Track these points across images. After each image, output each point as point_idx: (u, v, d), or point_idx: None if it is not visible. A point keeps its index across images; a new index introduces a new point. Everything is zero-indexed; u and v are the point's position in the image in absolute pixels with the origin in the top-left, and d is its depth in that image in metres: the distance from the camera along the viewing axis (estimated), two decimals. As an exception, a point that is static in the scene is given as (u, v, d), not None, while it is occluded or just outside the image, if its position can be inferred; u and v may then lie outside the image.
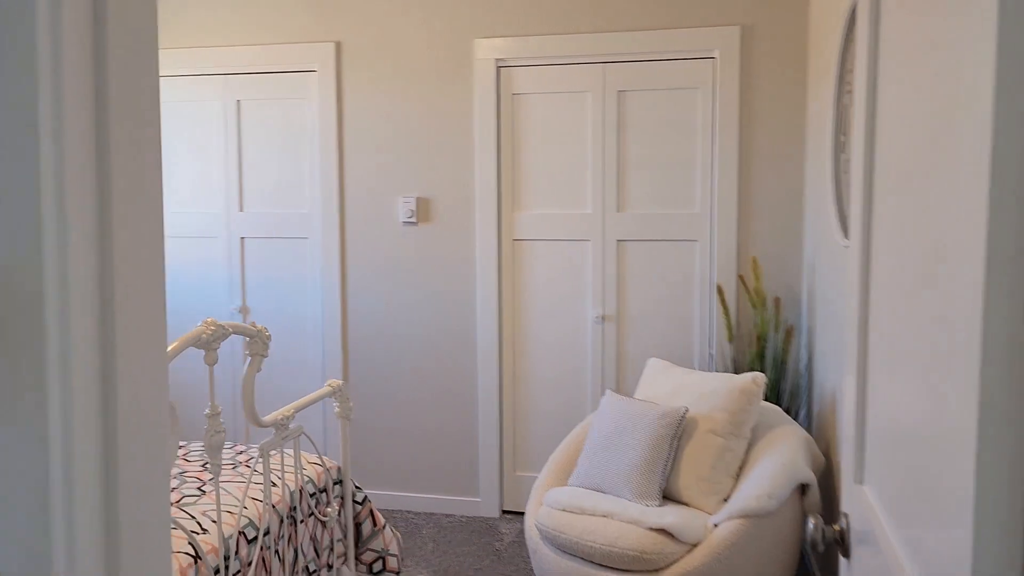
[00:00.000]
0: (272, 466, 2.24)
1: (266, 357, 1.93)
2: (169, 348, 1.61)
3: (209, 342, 1.72)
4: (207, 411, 1.76)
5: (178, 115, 4.05)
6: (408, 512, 3.93)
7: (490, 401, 3.81)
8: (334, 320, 3.93)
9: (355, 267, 3.90)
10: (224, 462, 2.30)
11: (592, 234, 3.68)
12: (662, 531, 2.55)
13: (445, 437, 3.89)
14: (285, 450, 2.35)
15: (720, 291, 3.48)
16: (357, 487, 2.51)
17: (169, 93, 4.05)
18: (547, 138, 3.69)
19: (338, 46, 3.82)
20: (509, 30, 3.66)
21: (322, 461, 2.37)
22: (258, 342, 1.91)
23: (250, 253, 4.03)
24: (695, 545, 2.56)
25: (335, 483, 2.40)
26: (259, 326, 1.91)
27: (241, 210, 4.01)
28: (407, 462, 3.93)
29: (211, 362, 1.75)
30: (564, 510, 2.71)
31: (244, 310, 4.05)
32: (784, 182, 3.51)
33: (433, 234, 3.82)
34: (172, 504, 1.96)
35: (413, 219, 3.82)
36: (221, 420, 1.78)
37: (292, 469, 2.23)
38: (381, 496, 3.96)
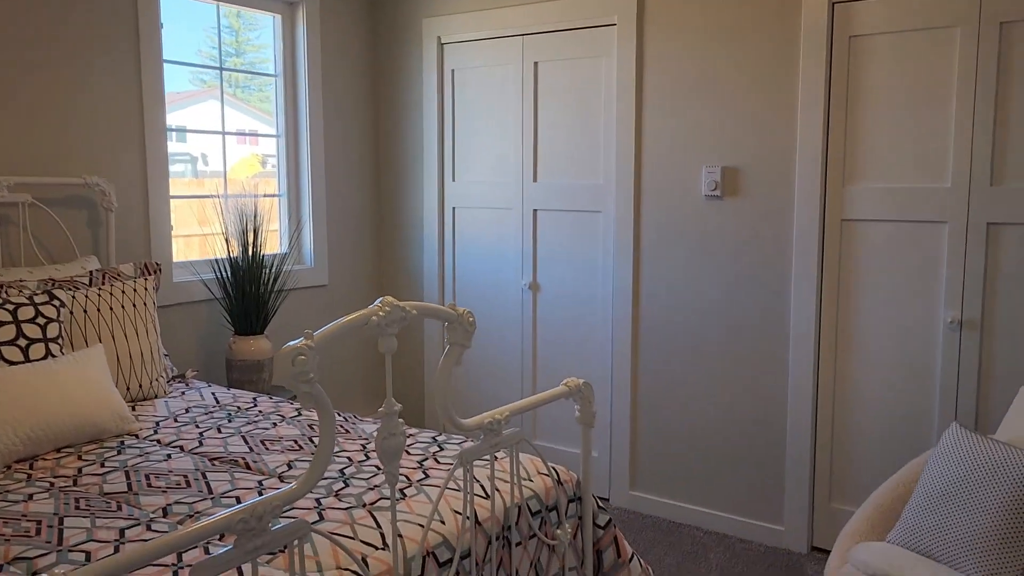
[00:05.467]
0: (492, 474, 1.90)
1: (468, 347, 1.58)
2: (324, 331, 1.32)
3: (382, 327, 1.41)
4: (382, 408, 1.45)
5: (478, 81, 3.91)
6: (696, 529, 3.41)
7: (802, 411, 3.14)
8: (624, 304, 3.51)
9: (650, 245, 3.45)
10: (445, 459, 2.01)
11: (952, 216, 2.81)
12: (1021, 636, 1.78)
13: (745, 447, 3.29)
14: (505, 457, 2.00)
15: None
16: (601, 508, 2.08)
17: (469, 57, 3.91)
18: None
19: (642, -6, 3.37)
20: (850, -45, 2.91)
21: (554, 472, 1.98)
22: (458, 329, 1.57)
23: (542, 227, 3.76)
24: (1075, 669, 1.75)
25: (571, 501, 2.00)
26: (460, 309, 1.57)
27: (535, 180, 3.76)
28: (700, 470, 3.41)
29: (388, 350, 1.43)
30: (875, 576, 2.04)
31: (535, 287, 3.80)
32: None
33: (741, 209, 3.22)
34: (364, 507, 1.71)
35: (717, 192, 3.25)
36: (401, 420, 1.46)
37: (508, 480, 1.87)
38: (664, 505, 3.49)
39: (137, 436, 2.24)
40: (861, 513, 2.38)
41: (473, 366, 4.03)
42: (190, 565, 1.44)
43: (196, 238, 3.60)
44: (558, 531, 1.95)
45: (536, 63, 3.72)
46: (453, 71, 4.00)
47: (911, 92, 2.88)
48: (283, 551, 1.50)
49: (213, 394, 2.67)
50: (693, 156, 3.31)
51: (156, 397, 2.60)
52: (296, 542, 1.32)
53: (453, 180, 4.04)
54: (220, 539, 1.56)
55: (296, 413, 2.43)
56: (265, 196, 3.89)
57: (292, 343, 1.28)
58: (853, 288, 3.05)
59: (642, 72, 3.41)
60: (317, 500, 1.74)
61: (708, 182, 3.26)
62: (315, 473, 1.32)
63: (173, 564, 1.44)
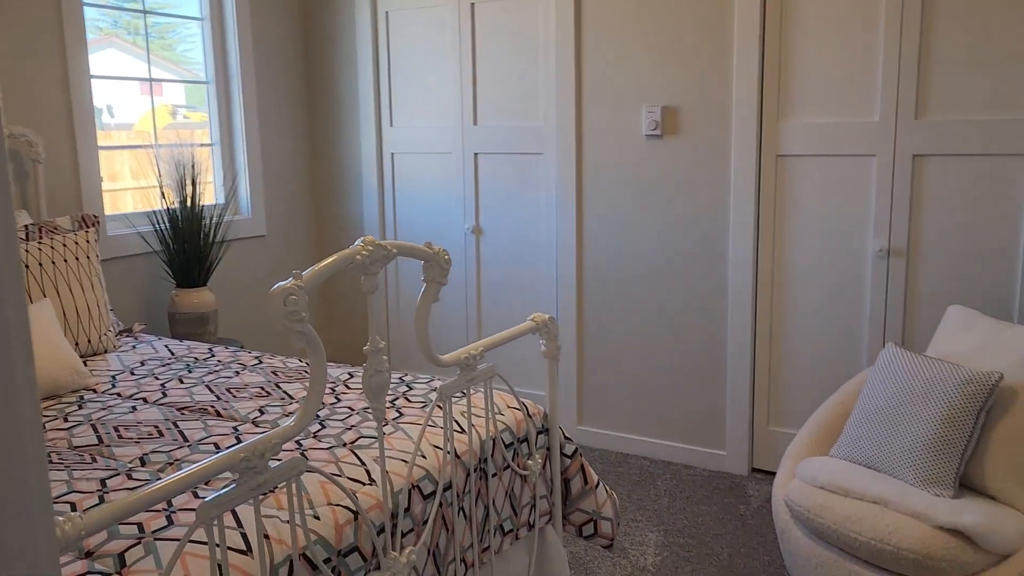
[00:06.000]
0: (464, 409, 1.95)
1: (444, 284, 1.61)
2: (312, 271, 1.33)
3: (366, 265, 1.42)
4: (367, 346, 1.47)
5: (414, 24, 3.85)
6: (644, 458, 3.55)
7: (741, 341, 3.28)
8: (568, 244, 3.57)
9: (593, 185, 3.50)
10: (415, 399, 2.05)
11: (880, 149, 2.95)
12: (956, 531, 1.94)
13: (688, 378, 3.43)
14: (475, 392, 2.05)
15: (1059, 220, 2.63)
16: (567, 438, 2.16)
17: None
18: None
19: (579, -67, 3.36)
20: None
21: (524, 406, 2.04)
22: (434, 267, 1.59)
23: (484, 170, 3.77)
24: (1005, 556, 1.92)
25: (540, 432, 2.07)
26: (436, 247, 1.59)
27: (475, 124, 3.75)
28: (646, 403, 3.54)
29: (370, 289, 1.45)
30: (823, 488, 2.18)
31: (477, 231, 3.82)
32: None
33: (681, 148, 3.30)
34: (345, 446, 1.74)
35: (658, 131, 3.31)
36: (385, 357, 1.49)
37: (483, 414, 1.93)
38: (613, 438, 3.62)
39: (95, 391, 2.19)
40: (804, 432, 2.53)
41: (403, 311, 4.04)
42: (181, 510, 1.45)
43: (128, 192, 3.48)
44: (529, 462, 2.02)
45: (473, 4, 3.68)
46: (387, 13, 3.92)
47: (841, 29, 2.98)
48: (273, 492, 1.52)
49: (166, 346, 2.62)
50: (633, 96, 3.36)
51: (107, 352, 2.54)
52: (293, 480, 1.35)
53: (391, 125, 3.99)
54: (207, 484, 1.57)
55: (256, 361, 2.42)
56: (200, 146, 3.77)
57: (281, 284, 1.28)
58: (788, 221, 3.17)
59: (580, 12, 3.42)
60: (298, 443, 1.75)
61: (648, 122, 3.32)
62: (310, 410, 1.34)
63: (165, 509, 1.45)
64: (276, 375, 2.28)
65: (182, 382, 2.22)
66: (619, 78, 3.37)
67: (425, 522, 1.67)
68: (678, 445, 3.49)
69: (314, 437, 1.79)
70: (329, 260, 1.37)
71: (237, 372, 2.30)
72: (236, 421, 1.92)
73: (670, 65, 3.27)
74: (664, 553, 2.77)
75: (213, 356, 2.49)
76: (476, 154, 3.77)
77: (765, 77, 3.12)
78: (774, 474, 3.37)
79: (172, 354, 2.53)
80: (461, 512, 1.78)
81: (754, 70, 3.10)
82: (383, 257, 1.45)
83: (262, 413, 1.96)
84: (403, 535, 1.62)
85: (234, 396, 2.09)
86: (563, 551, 2.14)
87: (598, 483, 2.18)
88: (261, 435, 1.27)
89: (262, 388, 2.16)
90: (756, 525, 2.96)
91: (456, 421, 1.87)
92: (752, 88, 3.11)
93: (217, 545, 1.26)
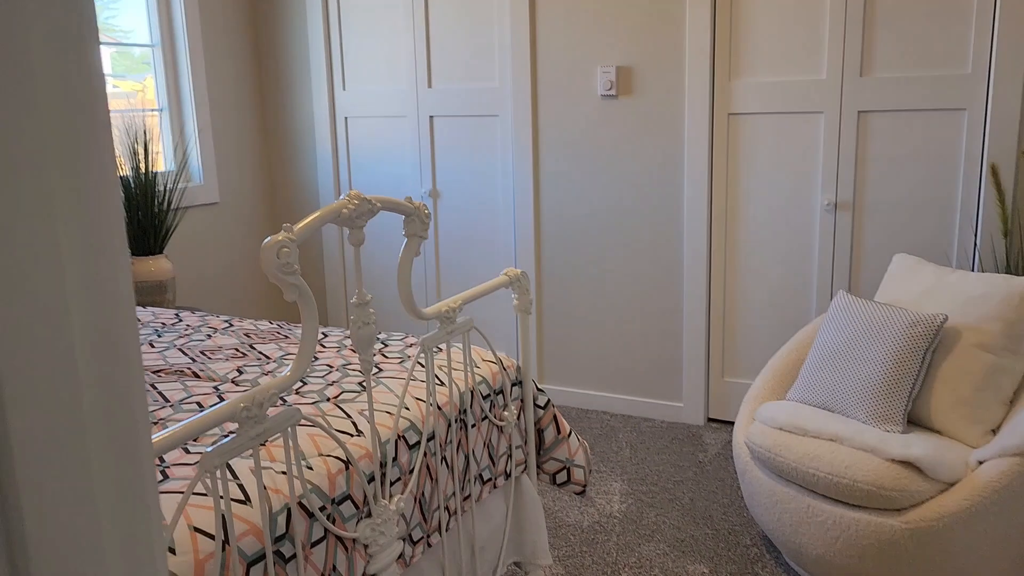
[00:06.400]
0: (442, 363, 2.00)
1: (424, 239, 1.64)
2: (303, 224, 1.35)
3: (352, 219, 1.44)
4: (354, 299, 1.50)
5: (366, -15, 3.81)
6: (604, 413, 3.65)
7: (697, 296, 3.38)
8: (526, 205, 3.62)
9: (549, 146, 3.54)
10: (391, 355, 2.08)
11: (827, 106, 3.06)
12: (906, 463, 2.07)
13: (646, 334, 3.53)
14: (456, 346, 2.09)
15: (994, 171, 2.78)
16: (540, 390, 2.22)
17: (356, -38, 3.80)
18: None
19: None
20: None
21: (499, 359, 2.10)
22: (415, 221, 1.62)
23: (439, 133, 3.78)
24: (950, 485, 2.06)
25: (514, 384, 2.13)
26: (416, 202, 1.62)
27: (430, 86, 3.75)
28: (604, 359, 3.63)
29: (356, 242, 1.48)
30: (782, 429, 2.29)
31: (435, 194, 3.84)
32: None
33: (636, 107, 3.36)
34: (329, 400, 1.77)
35: (613, 91, 3.37)
36: (372, 311, 1.52)
37: (462, 367, 1.97)
38: (574, 394, 3.71)
39: (63, 358, 2.17)
40: (761, 379, 2.64)
41: (376, 274, 4.06)
42: (175, 464, 1.47)
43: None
44: (505, 412, 2.07)
45: (425, -35, 3.67)
46: (337, -26, 3.87)
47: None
48: (264, 445, 1.55)
49: (129, 314, 2.59)
50: (588, 56, 3.40)
51: (69, 321, 2.51)
52: (289, 430, 1.38)
53: (344, 89, 3.96)
54: (195, 441, 1.58)
55: (227, 324, 2.41)
56: (149, 111, 3.69)
57: (273, 237, 1.30)
58: (740, 177, 3.27)
59: (534, -27, 3.43)
60: (282, 399, 1.78)
61: (603, 82, 3.37)
62: (303, 360, 1.37)
63: (159, 464, 1.47)
64: (249, 336, 2.28)
65: (152, 346, 2.22)
66: (574, 38, 3.41)
67: (411, 471, 1.72)
68: (637, 399, 3.59)
69: (297, 393, 1.82)
70: (317, 214, 1.40)
71: (209, 335, 2.30)
72: (215, 381, 1.93)
73: (624, 26, 3.31)
74: (629, 500, 2.87)
75: (181, 321, 2.48)
76: (432, 117, 3.78)
77: (717, 37, 3.19)
78: (729, 423, 3.51)
79: (138, 320, 2.51)
80: (444, 462, 1.83)
81: (706, 30, 3.17)
82: (368, 211, 1.48)
83: (241, 373, 1.98)
84: (391, 484, 1.66)
85: (209, 358, 2.10)
86: (538, 499, 2.21)
87: (570, 432, 2.25)
88: (258, 387, 1.29)
89: (236, 349, 2.16)
90: (714, 470, 3.08)
91: (436, 376, 1.92)
92: (704, 48, 3.18)
93: (221, 497, 1.29)
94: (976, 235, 2.92)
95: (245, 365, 2.04)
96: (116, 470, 0.46)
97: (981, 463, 2.05)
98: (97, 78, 0.42)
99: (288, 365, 2.03)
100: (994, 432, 2.20)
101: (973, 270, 2.92)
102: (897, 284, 2.57)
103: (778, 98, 3.13)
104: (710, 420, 3.54)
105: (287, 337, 2.28)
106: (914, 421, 2.30)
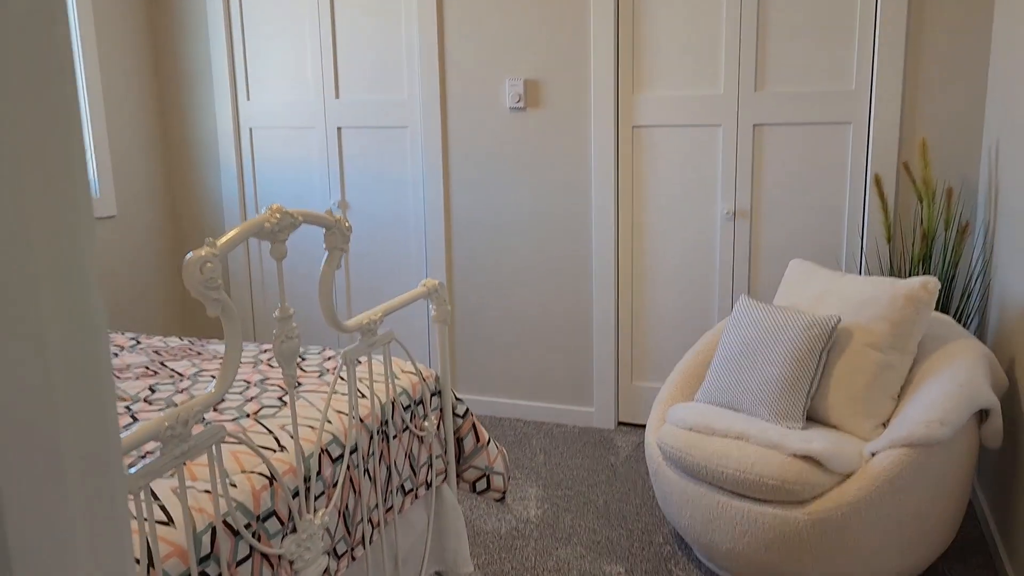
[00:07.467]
0: (362, 376, 2.00)
1: (345, 252, 1.65)
2: (226, 238, 1.34)
3: (274, 232, 1.44)
4: (277, 313, 1.49)
5: (269, -5, 3.76)
6: (517, 420, 3.70)
7: (605, 303, 3.47)
8: (436, 218, 3.64)
9: (459, 158, 3.58)
10: (309, 369, 2.07)
11: (724, 119, 3.21)
12: (807, 458, 2.19)
13: (556, 342, 3.60)
14: (374, 358, 2.10)
15: (878, 181, 2.97)
16: (458, 399, 2.25)
17: (259, -30, 3.74)
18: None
19: (437, -93, 3.40)
20: None
21: (418, 370, 2.11)
22: (336, 234, 1.63)
23: (348, 144, 3.76)
24: (847, 476, 2.19)
25: (433, 395, 2.14)
26: (337, 215, 1.62)
27: (337, 97, 3.73)
28: (515, 368, 3.68)
29: (279, 256, 1.47)
30: (691, 429, 2.39)
31: (343, 205, 3.81)
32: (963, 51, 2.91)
33: (544, 120, 3.43)
34: (249, 416, 1.75)
35: (521, 104, 3.43)
36: (295, 324, 1.51)
37: (382, 379, 1.98)
38: (487, 403, 3.74)
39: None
40: (670, 383, 2.74)
41: (286, 289, 3.99)
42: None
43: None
44: (425, 423, 2.09)
45: (330, -24, 3.64)
46: (239, -17, 3.80)
47: (688, 7, 3.19)
48: (185, 464, 1.51)
49: (26, 334, 2.48)
50: (496, 69, 3.45)
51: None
52: (214, 447, 1.36)
53: (248, 99, 3.89)
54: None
55: (134, 342, 2.34)
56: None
57: (196, 252, 1.29)
58: (645, 187, 3.39)
59: (442, -14, 3.46)
60: (202, 417, 1.74)
61: (512, 94, 3.43)
62: (228, 376, 1.36)
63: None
64: (159, 354, 2.22)
65: (55, 367, 2.13)
66: (483, 52, 3.45)
67: (335, 484, 1.71)
68: (549, 405, 3.66)
69: (215, 410, 1.79)
70: (239, 228, 1.39)
71: (116, 354, 2.23)
72: (126, 401, 1.87)
73: (532, 40, 3.38)
74: (545, 505, 2.93)
75: (83, 340, 2.39)
76: (340, 128, 3.75)
77: (620, 52, 3.30)
78: (639, 426, 3.61)
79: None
80: (367, 474, 1.83)
81: (610, 46, 3.27)
82: (290, 224, 1.48)
83: (153, 391, 1.92)
84: (316, 498, 1.66)
85: (119, 377, 2.03)
86: (458, 507, 2.23)
87: (489, 440, 2.28)
88: (183, 404, 1.27)
89: (146, 368, 2.10)
90: (626, 473, 3.17)
91: (357, 389, 1.92)
92: (608, 62, 3.28)
93: (145, 519, 1.26)
94: (863, 240, 3.11)
95: (157, 383, 1.98)
96: (89, 490, 0.46)
97: (874, 455, 2.19)
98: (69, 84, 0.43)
99: (203, 382, 1.99)
100: (884, 425, 2.36)
101: (860, 273, 3.12)
102: (793, 288, 2.71)
103: (679, 111, 3.26)
104: (620, 424, 3.64)
105: (200, 353, 2.23)
106: (812, 417, 2.44)
